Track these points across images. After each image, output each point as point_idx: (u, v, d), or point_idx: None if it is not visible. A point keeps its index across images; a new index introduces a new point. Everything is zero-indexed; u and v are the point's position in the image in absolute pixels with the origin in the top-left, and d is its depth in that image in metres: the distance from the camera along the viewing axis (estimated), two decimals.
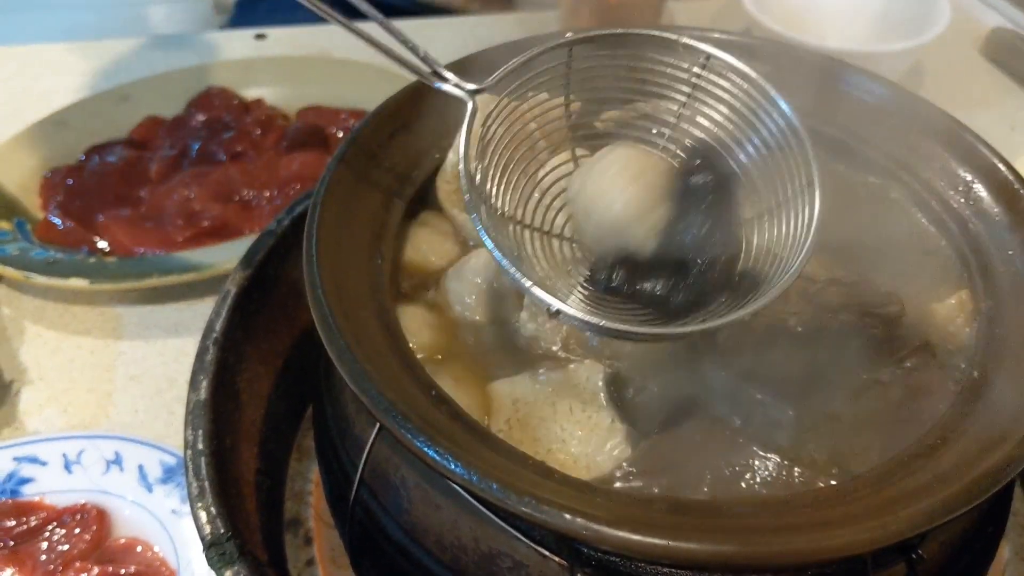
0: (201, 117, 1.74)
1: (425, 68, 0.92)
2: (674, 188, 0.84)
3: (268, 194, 1.57)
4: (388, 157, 1.00)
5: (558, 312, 0.76)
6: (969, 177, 1.00)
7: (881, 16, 1.87)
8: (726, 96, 0.90)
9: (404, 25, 2.00)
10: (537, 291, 0.77)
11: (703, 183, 0.83)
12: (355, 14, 0.95)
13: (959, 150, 1.01)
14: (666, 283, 0.81)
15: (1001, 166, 0.98)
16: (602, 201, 0.84)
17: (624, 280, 0.82)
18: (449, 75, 0.91)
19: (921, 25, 1.78)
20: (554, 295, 0.77)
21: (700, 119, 0.91)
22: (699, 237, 0.81)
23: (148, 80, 1.83)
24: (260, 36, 2.04)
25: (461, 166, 0.82)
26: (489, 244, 0.79)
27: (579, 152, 0.94)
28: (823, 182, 0.84)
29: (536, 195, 0.90)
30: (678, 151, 0.91)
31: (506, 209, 0.86)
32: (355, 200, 0.94)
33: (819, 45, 1.64)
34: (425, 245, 0.99)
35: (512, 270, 0.78)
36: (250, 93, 1.82)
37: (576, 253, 0.89)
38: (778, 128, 0.86)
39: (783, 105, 0.86)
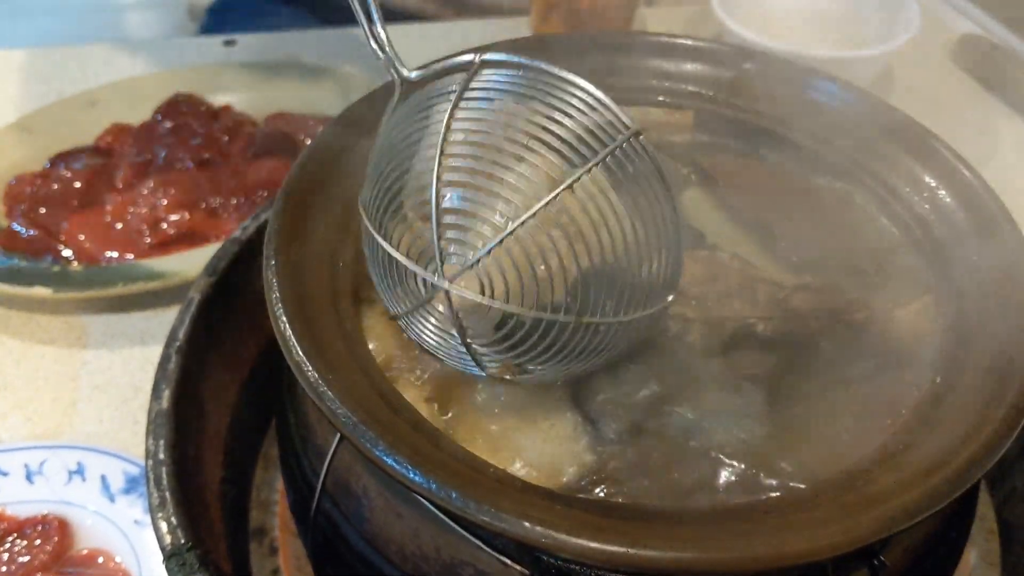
0: (168, 124, 1.72)
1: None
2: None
3: (235, 201, 1.56)
4: (351, 164, 0.99)
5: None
6: (934, 182, 1.00)
7: (852, 22, 1.87)
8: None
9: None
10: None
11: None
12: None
13: (924, 155, 1.01)
14: None
15: (966, 171, 0.98)
16: None
17: None
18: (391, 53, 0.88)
19: (891, 31, 1.79)
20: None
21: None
22: None
23: (115, 86, 1.81)
24: (229, 42, 2.03)
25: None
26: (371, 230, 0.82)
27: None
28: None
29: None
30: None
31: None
32: (316, 208, 0.93)
33: (789, 51, 1.64)
34: None
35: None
36: (218, 99, 1.80)
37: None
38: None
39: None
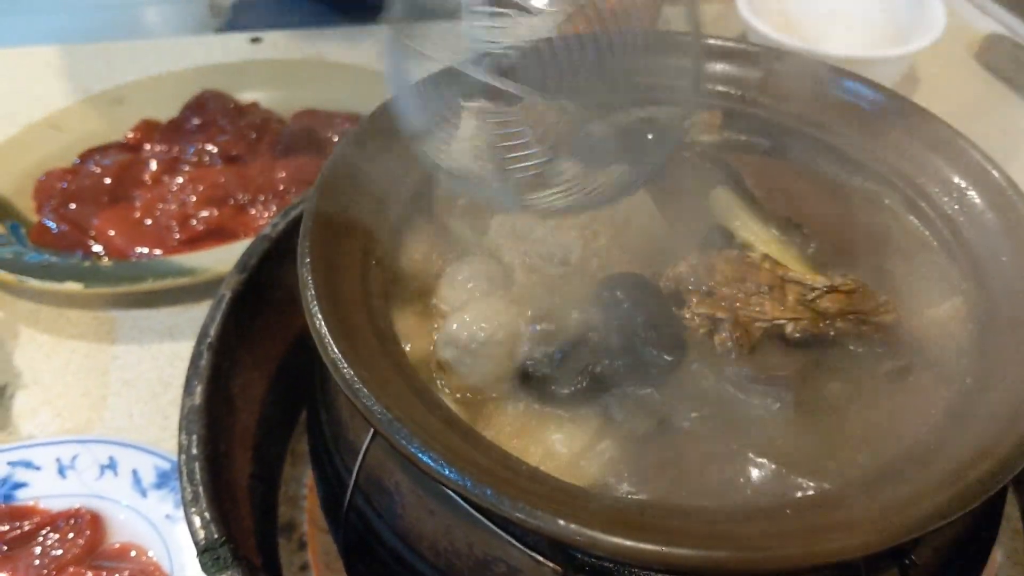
0: (196, 120, 1.74)
1: None
2: None
3: (263, 198, 1.57)
4: (384, 161, 1.00)
5: None
6: (963, 183, 1.00)
7: (877, 22, 1.87)
8: None
9: None
10: None
11: None
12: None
13: (953, 156, 1.02)
14: None
15: (994, 172, 0.98)
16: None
17: None
18: None
19: (916, 31, 1.79)
20: None
21: None
22: None
23: (143, 83, 1.83)
24: (255, 39, 2.05)
25: None
26: None
27: None
28: None
29: None
30: None
31: None
32: (350, 205, 0.94)
33: (814, 51, 1.64)
34: (419, 251, 0.99)
35: None
36: (245, 96, 1.82)
37: None
38: None
39: None
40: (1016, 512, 1.17)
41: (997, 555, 1.14)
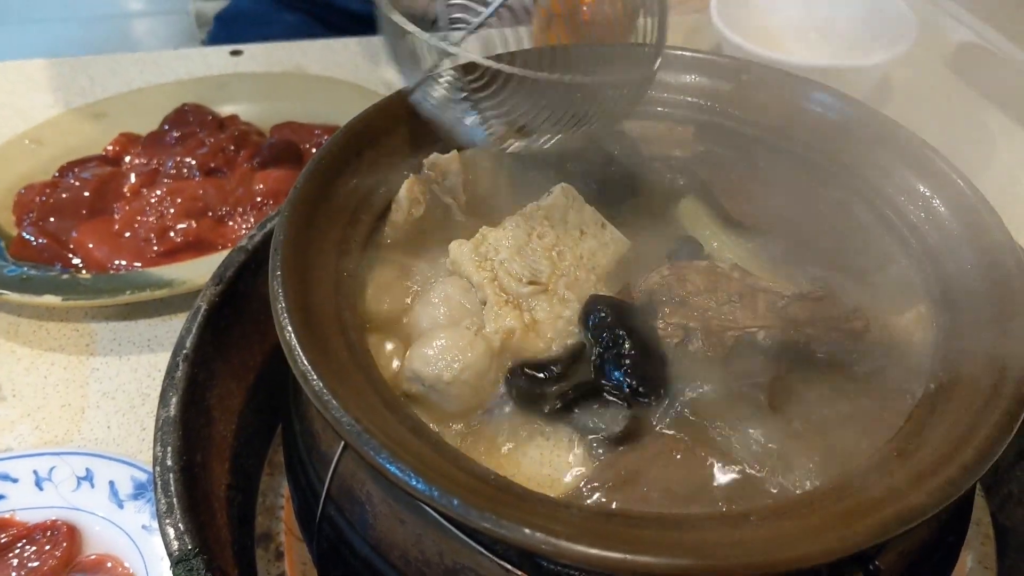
0: (176, 133, 1.74)
1: None
2: None
3: (242, 210, 1.58)
4: (356, 174, 1.01)
5: None
6: (928, 192, 1.01)
7: (850, 32, 1.89)
8: None
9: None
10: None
11: None
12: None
13: (918, 166, 1.03)
14: None
15: (959, 181, 0.99)
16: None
17: None
18: None
19: (889, 40, 1.80)
20: None
21: None
22: None
23: (123, 96, 1.84)
24: (236, 52, 2.06)
25: None
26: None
27: None
28: None
29: None
30: None
31: None
32: (322, 219, 0.95)
33: (788, 61, 1.65)
34: (391, 264, 1.00)
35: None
36: (225, 109, 1.82)
37: None
38: None
39: None
40: (987, 517, 1.19)
41: (967, 560, 1.15)
